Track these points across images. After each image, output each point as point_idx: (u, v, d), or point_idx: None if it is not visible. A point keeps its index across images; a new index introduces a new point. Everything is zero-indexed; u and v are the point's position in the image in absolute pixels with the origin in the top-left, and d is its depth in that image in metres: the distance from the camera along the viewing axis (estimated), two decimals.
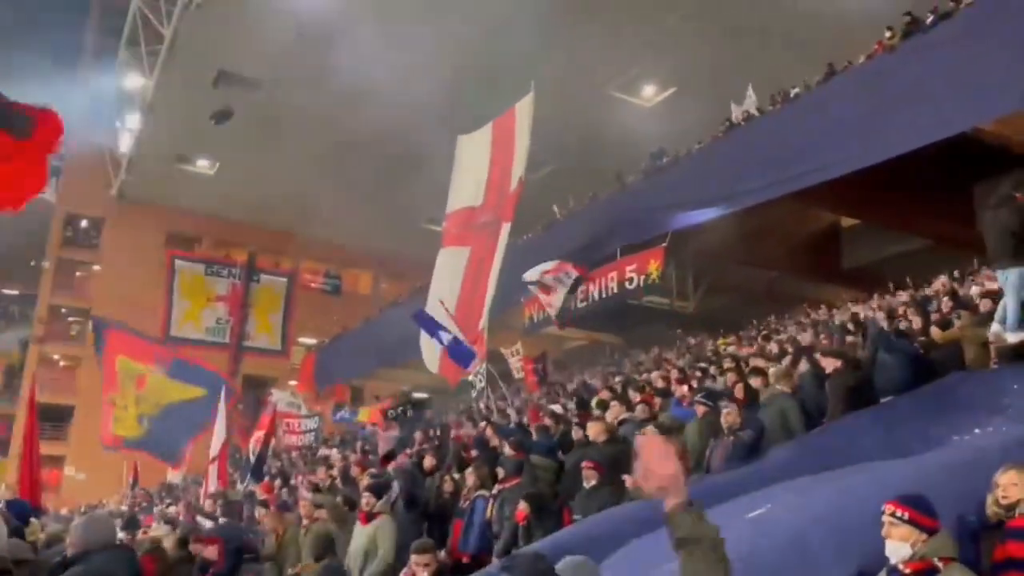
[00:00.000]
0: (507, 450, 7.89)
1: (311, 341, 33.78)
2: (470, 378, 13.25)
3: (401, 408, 13.09)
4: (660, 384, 11.29)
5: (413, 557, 4.54)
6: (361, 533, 6.53)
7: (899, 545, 3.07)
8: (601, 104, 23.97)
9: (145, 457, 20.39)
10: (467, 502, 7.49)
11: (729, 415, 6.84)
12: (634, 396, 10.22)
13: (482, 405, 14.72)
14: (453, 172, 16.19)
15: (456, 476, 8.21)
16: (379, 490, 6.86)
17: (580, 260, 17.40)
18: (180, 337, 30.18)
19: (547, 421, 9.91)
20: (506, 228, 13.63)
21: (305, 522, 7.52)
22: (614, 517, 5.70)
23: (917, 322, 8.72)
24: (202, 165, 30.02)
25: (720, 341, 17.43)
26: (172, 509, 15.28)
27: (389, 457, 10.64)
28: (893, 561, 3.09)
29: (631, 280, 17.89)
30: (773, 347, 11.98)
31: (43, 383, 31.27)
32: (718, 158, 17.13)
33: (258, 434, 13.86)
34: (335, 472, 12.33)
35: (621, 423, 8.18)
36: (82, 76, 27.69)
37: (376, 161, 26.53)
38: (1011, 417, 4.81)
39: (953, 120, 11.82)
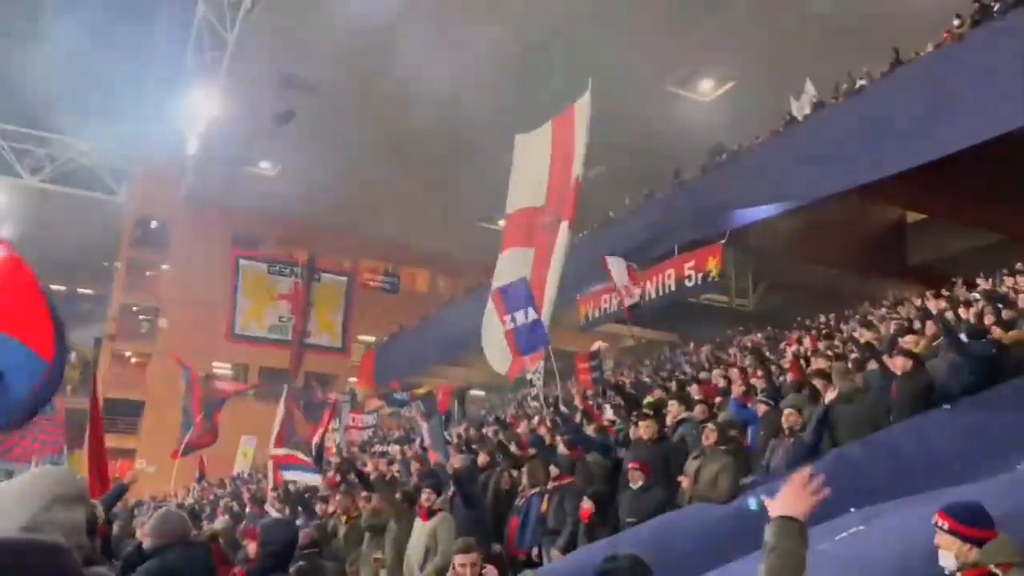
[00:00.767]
0: (561, 448, 7.91)
1: (370, 339, 34.32)
2: (528, 375, 13.28)
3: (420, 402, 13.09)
4: (720, 383, 11.15)
5: (456, 558, 4.41)
6: (421, 529, 6.64)
7: (945, 554, 3.12)
8: (658, 100, 23.75)
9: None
10: (523, 500, 7.54)
11: (790, 415, 6.75)
12: (694, 395, 10.13)
13: (538, 403, 14.75)
14: (512, 172, 16.21)
15: (514, 473, 8.27)
16: (439, 487, 6.96)
17: (637, 258, 17.31)
18: (244, 335, 31.02)
19: (605, 421, 9.90)
20: (564, 227, 13.60)
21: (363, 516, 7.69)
22: (675, 526, 5.68)
23: (990, 319, 8.44)
24: (264, 167, 30.73)
25: (790, 340, 17.12)
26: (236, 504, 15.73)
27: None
28: (946, 571, 3.12)
29: (689, 277, 17.71)
30: (836, 345, 11.72)
31: (115, 379, 32.58)
32: (778, 153, 16.84)
33: (320, 430, 14.13)
34: (396, 467, 12.50)
35: (680, 423, 8.12)
36: (151, 83, 28.62)
37: (433, 160, 26.81)
38: None
39: (1013, 116, 11.42)
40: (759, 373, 9.77)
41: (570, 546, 6.56)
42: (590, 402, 12.55)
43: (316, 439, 14.05)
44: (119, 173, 33.86)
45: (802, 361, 10.47)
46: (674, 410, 8.55)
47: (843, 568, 3.80)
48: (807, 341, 13.66)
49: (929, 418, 6.02)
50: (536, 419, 12.67)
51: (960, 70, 12.79)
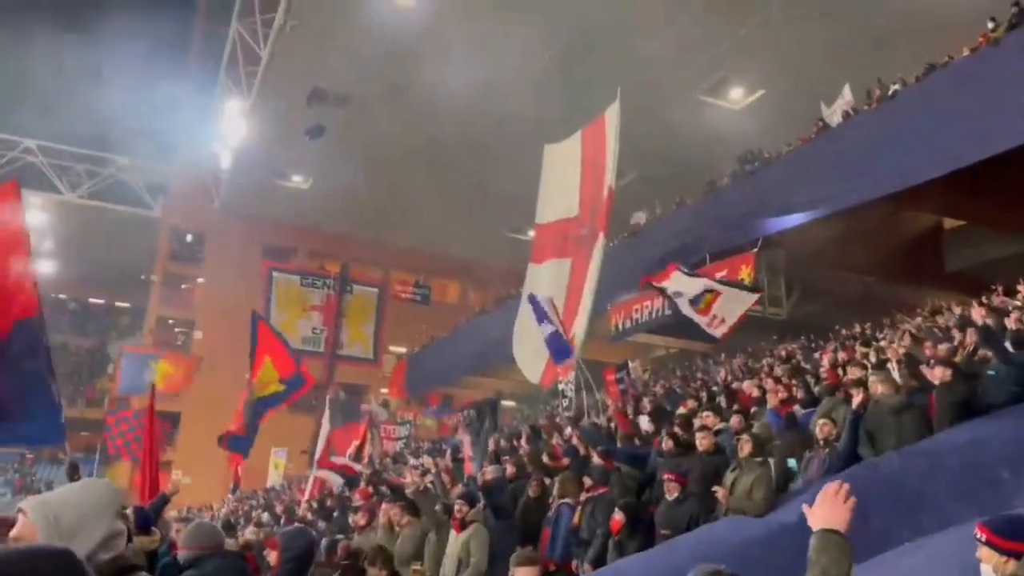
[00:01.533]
0: (595, 459, 7.87)
1: (401, 350, 34.48)
2: (560, 386, 13.27)
3: (472, 411, 13.11)
4: (755, 393, 11.02)
5: (516, 571, 4.27)
6: (455, 540, 6.65)
7: (985, 568, 3.12)
8: (688, 108, 23.66)
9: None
10: (553, 510, 7.52)
11: (825, 426, 6.66)
12: (725, 404, 10.04)
13: (569, 414, 14.70)
14: (541, 182, 16.25)
15: (547, 480, 8.24)
16: (471, 498, 6.97)
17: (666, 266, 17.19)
18: None
19: (640, 426, 9.84)
20: (601, 240, 13.55)
21: (397, 528, 7.70)
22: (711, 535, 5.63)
23: None
24: (297, 180, 31.12)
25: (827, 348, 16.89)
26: (266, 515, 15.87)
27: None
28: None
29: None
30: (871, 355, 11.53)
31: None
32: (811, 160, 16.67)
33: (354, 442, 14.24)
34: (430, 478, 12.49)
35: (716, 433, 8.05)
36: (186, 98, 29.15)
37: (462, 171, 26.96)
38: None
39: None
40: (795, 383, 9.65)
41: (600, 558, 6.53)
42: (620, 412, 12.47)
43: (351, 451, 14.17)
44: (155, 188, 34.50)
45: (839, 370, 10.32)
46: (710, 420, 8.47)
47: None
48: (843, 350, 13.47)
49: (972, 426, 5.90)
50: (568, 430, 12.62)
51: (996, 74, 12.59)
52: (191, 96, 28.94)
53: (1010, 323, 8.61)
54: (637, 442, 9.20)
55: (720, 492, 6.50)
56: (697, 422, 8.38)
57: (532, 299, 13.20)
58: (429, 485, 11.42)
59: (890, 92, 15.78)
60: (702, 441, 7.37)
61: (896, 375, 7.54)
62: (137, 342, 36.28)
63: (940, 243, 20.86)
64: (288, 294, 32.80)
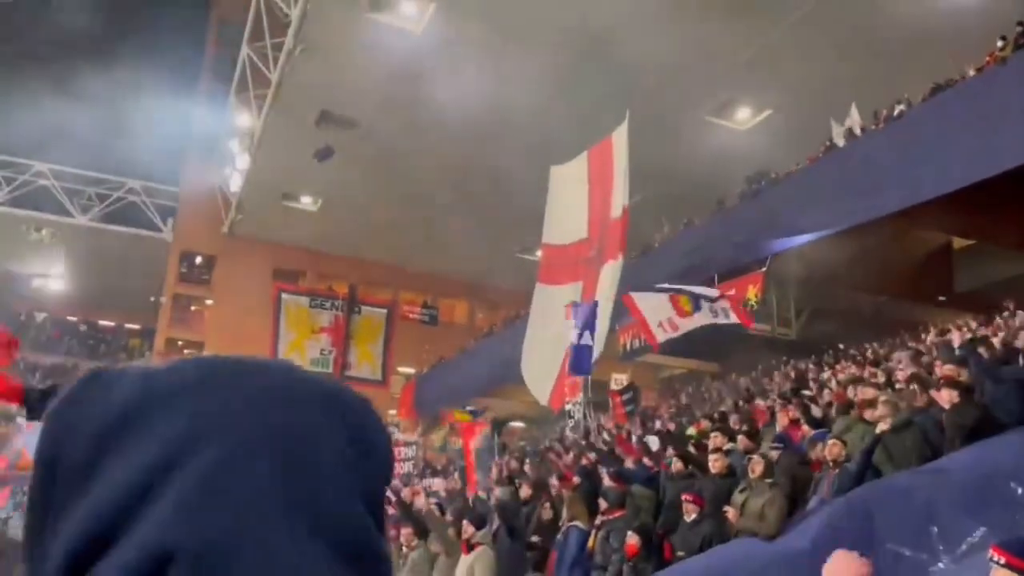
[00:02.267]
0: (607, 481, 7.83)
1: (410, 370, 34.44)
2: (568, 407, 13.22)
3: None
4: (761, 414, 10.97)
5: None
6: (463, 563, 6.61)
7: None
8: (695, 129, 23.72)
9: None
10: (561, 533, 7.47)
11: (834, 446, 6.62)
12: (736, 426, 9.98)
13: (577, 435, 14.64)
14: (548, 203, 16.28)
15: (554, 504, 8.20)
16: (479, 520, 6.93)
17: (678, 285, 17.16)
18: None
19: (645, 451, 9.78)
20: (616, 263, 13.48)
21: (404, 549, 7.67)
22: (723, 558, 5.58)
23: None
24: (306, 202, 31.29)
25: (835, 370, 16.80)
26: None
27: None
28: None
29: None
30: (880, 375, 11.47)
31: None
32: (818, 180, 16.68)
33: None
34: (439, 500, 12.42)
35: (726, 454, 8.01)
36: (197, 121, 29.44)
37: (470, 193, 27.05)
38: None
39: None
40: (794, 403, 9.62)
41: None
42: (621, 435, 12.46)
43: None
44: (165, 211, 34.73)
45: (848, 390, 10.26)
46: (718, 441, 8.44)
47: None
48: (852, 370, 13.40)
49: (983, 444, 5.83)
50: (571, 453, 12.59)
51: (1004, 92, 12.60)
52: (201, 119, 29.23)
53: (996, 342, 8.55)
54: (647, 462, 9.14)
55: (731, 513, 6.46)
56: (708, 443, 8.35)
57: (577, 305, 13.18)
58: (433, 506, 11.37)
59: (896, 112, 15.81)
60: (714, 463, 7.33)
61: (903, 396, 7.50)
62: (146, 364, 36.25)
63: (949, 263, 20.82)
64: (297, 316, 32.75)
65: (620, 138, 14.18)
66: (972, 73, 14.58)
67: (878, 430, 6.55)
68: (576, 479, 9.16)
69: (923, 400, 7.10)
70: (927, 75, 15.76)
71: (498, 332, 28.31)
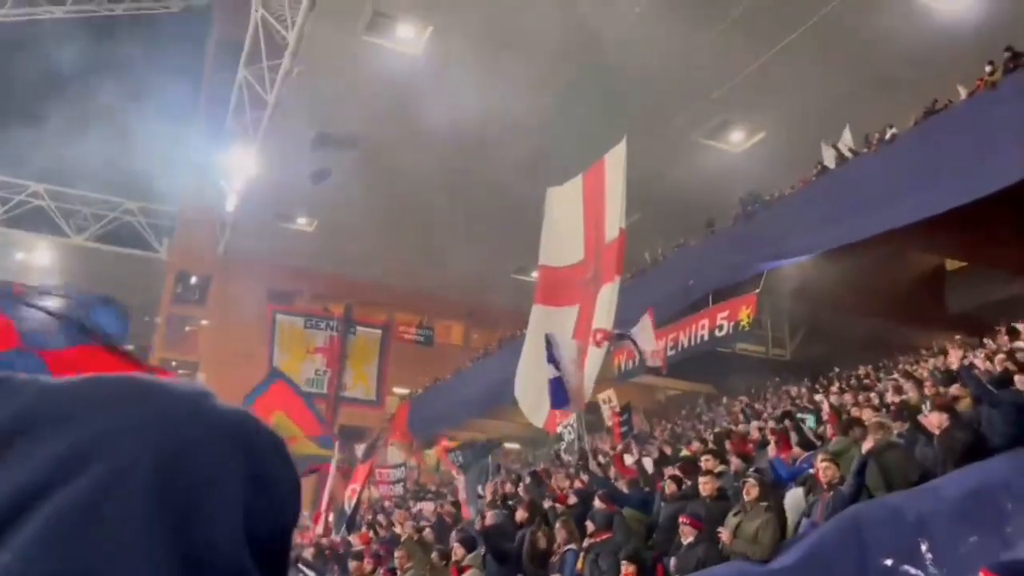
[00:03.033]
0: (597, 503, 7.81)
1: (404, 391, 34.35)
2: (559, 429, 13.21)
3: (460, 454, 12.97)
4: (755, 436, 10.98)
5: None
6: None
7: None
8: (689, 151, 23.89)
9: None
10: (557, 556, 7.44)
11: (828, 469, 6.62)
12: (728, 448, 9.98)
13: (570, 457, 14.61)
14: (544, 225, 16.34)
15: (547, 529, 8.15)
16: (469, 543, 6.90)
17: (671, 308, 17.21)
18: None
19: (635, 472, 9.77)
20: (614, 285, 13.50)
21: (400, 573, 7.63)
22: None
23: None
24: (302, 222, 31.34)
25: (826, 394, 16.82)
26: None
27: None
28: None
29: (721, 327, 17.57)
30: (873, 398, 11.50)
31: None
32: (810, 201, 16.80)
33: (353, 486, 14.13)
34: (424, 523, 12.36)
35: (717, 476, 8.00)
36: (193, 142, 29.54)
37: (465, 214, 27.15)
38: None
39: None
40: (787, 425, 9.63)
41: None
42: (618, 456, 12.43)
43: (350, 495, 14.06)
44: (161, 230, 34.76)
45: (841, 412, 10.28)
46: (710, 464, 8.43)
47: None
48: (847, 393, 13.43)
49: (975, 466, 5.84)
50: (561, 475, 12.57)
51: (993, 116, 12.76)
52: (198, 140, 29.34)
53: (995, 365, 8.59)
54: (643, 485, 9.13)
55: (725, 535, 6.46)
56: (700, 464, 8.34)
57: (550, 338, 13.23)
58: (427, 531, 11.31)
59: (888, 136, 15.97)
60: (704, 485, 7.33)
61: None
62: None
63: (942, 284, 20.90)
64: (291, 336, 32.76)
65: (614, 159, 14.25)
66: (963, 97, 14.74)
67: (864, 450, 6.57)
68: (572, 500, 9.15)
69: (906, 424, 7.13)
70: (919, 99, 15.92)
71: (493, 353, 28.28)
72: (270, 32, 21.89)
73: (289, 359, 32.17)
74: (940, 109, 15.13)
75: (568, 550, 7.30)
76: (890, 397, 9.95)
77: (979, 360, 11.43)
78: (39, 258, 33.58)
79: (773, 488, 7.36)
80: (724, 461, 8.52)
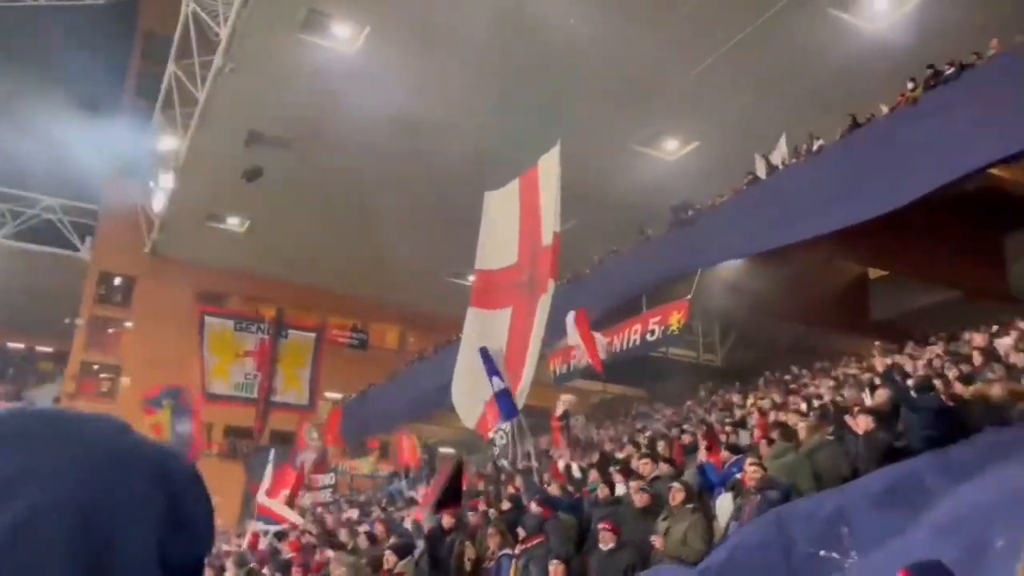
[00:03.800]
0: (534, 507, 7.79)
1: (337, 396, 33.84)
2: (491, 434, 13.16)
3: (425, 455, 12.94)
4: (686, 440, 11.13)
5: None
6: None
7: None
8: (623, 158, 24.18)
9: None
10: (492, 562, 7.39)
11: (756, 472, 6.73)
12: (663, 452, 10.09)
13: (504, 462, 14.58)
14: (481, 228, 16.27)
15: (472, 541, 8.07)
16: (401, 550, 6.80)
17: (604, 314, 17.35)
18: (213, 393, 30.40)
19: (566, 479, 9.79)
20: (550, 290, 13.52)
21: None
22: None
23: (954, 373, 8.57)
24: (232, 223, 30.61)
25: (752, 398, 17.19)
26: None
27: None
28: None
29: (652, 332, 17.81)
30: (800, 402, 11.79)
31: None
32: (741, 209, 17.18)
33: (284, 491, 13.82)
34: (358, 530, 12.17)
35: (652, 480, 8.06)
36: (118, 137, 28.53)
37: (399, 216, 26.90)
38: None
39: (963, 164, 11.89)
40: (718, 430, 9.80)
41: None
42: (554, 463, 12.51)
43: (282, 499, 13.76)
44: (83, 228, 33.52)
45: (769, 416, 10.50)
46: (647, 467, 8.50)
47: None
48: (774, 396, 13.74)
49: (896, 464, 6.03)
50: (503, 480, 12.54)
51: (912, 130, 13.28)
52: (124, 136, 28.33)
53: (921, 369, 8.90)
54: (571, 489, 9.15)
55: (657, 541, 6.50)
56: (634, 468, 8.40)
57: (484, 352, 13.20)
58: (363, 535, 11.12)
59: (815, 147, 16.47)
60: (636, 489, 7.37)
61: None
62: (58, 388, 34.81)
63: (866, 292, 21.62)
64: (221, 339, 31.91)
65: (548, 164, 14.26)
66: (885, 112, 15.30)
67: (799, 453, 6.71)
68: (506, 504, 9.11)
69: (832, 428, 7.33)
70: (845, 112, 16.45)
71: (429, 357, 28.08)
72: (202, 27, 21.32)
73: (219, 362, 31.37)
74: (864, 123, 15.66)
75: (503, 555, 7.26)
76: (816, 401, 10.21)
77: (906, 361, 11.86)
78: None
79: (700, 492, 7.46)
80: (658, 464, 8.60)
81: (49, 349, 38.42)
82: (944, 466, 5.45)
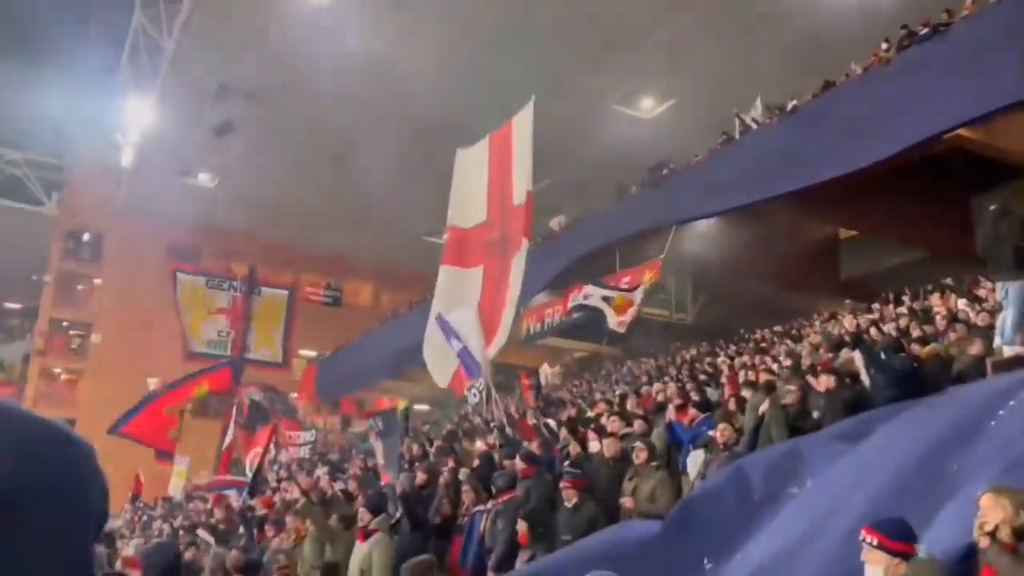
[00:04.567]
0: (518, 463, 7.85)
1: (311, 354, 33.80)
2: (465, 392, 13.26)
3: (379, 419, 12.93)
4: (658, 398, 11.28)
5: None
6: (358, 550, 6.54)
7: (873, 570, 3.10)
8: (600, 116, 24.03)
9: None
10: (466, 518, 7.48)
11: (724, 430, 6.85)
12: (634, 410, 10.23)
13: (478, 419, 14.72)
14: (452, 186, 16.18)
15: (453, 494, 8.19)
16: (375, 508, 6.86)
17: (578, 272, 17.43)
18: (195, 352, 30.22)
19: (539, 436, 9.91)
20: (523, 248, 13.52)
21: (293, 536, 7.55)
22: (606, 539, 5.73)
23: (918, 333, 8.74)
24: (203, 178, 30.12)
25: (722, 356, 17.43)
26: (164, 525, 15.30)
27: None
28: None
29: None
30: (769, 360, 11.98)
31: (45, 396, 31.44)
32: (715, 169, 17.21)
33: (256, 449, 13.81)
34: (323, 486, 12.19)
35: (622, 438, 8.17)
36: (85, 89, 27.80)
37: (373, 173, 26.61)
38: (991, 435, 4.71)
39: (933, 124, 11.98)
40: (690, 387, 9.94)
41: (501, 566, 6.53)
42: (524, 419, 12.63)
43: (252, 458, 13.76)
44: (50, 184, 32.83)
45: (739, 374, 10.67)
46: (615, 425, 8.61)
47: None
48: (744, 355, 13.94)
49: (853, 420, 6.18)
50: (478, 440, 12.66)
51: (885, 89, 13.34)
52: (90, 88, 27.61)
53: (889, 330, 9.07)
54: (544, 446, 9.25)
55: (627, 501, 6.60)
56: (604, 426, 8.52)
57: (440, 320, 13.28)
58: (339, 492, 11.20)
59: (789, 107, 16.48)
60: (608, 446, 7.47)
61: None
62: (27, 345, 34.41)
63: (836, 252, 21.87)
64: (193, 296, 31.60)
65: (521, 123, 14.15)
66: (859, 72, 15.32)
67: (760, 411, 6.83)
68: (476, 462, 9.22)
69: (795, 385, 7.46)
70: (821, 71, 16.44)
71: (403, 315, 28.08)
72: None
73: (191, 319, 31.12)
74: (837, 83, 15.68)
75: (476, 511, 7.35)
76: (784, 360, 10.38)
77: (870, 322, 12.05)
78: None
79: (669, 450, 7.59)
80: (629, 423, 8.73)
81: (17, 306, 37.85)
82: (899, 411, 5.58)
